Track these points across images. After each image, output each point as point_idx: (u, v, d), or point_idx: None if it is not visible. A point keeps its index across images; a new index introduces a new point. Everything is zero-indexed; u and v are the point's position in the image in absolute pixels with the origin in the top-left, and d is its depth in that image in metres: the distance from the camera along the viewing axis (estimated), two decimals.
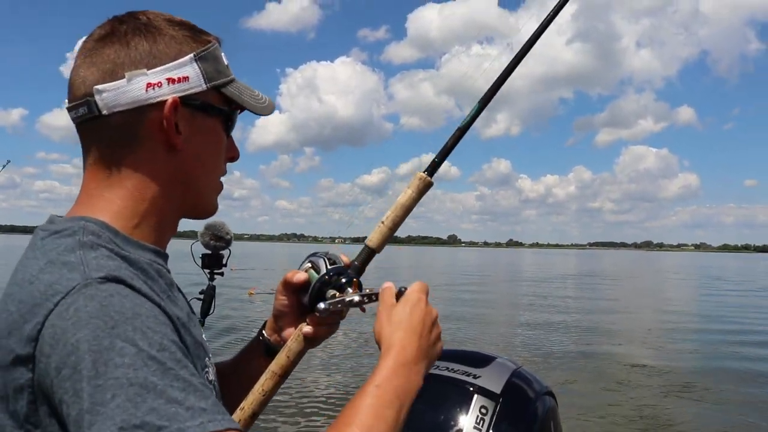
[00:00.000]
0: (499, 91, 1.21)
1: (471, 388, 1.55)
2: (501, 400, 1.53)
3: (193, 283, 3.98)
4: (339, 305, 1.08)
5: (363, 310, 1.11)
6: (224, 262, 4.10)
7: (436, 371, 1.61)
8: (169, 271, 0.95)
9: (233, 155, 1.05)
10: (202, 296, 3.99)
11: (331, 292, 1.09)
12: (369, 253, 1.15)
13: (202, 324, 3.59)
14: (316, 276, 1.11)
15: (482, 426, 1.48)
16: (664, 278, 47.10)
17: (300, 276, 1.13)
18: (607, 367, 10.01)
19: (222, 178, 1.04)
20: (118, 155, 0.91)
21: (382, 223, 1.15)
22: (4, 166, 4.63)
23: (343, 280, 1.09)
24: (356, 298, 1.08)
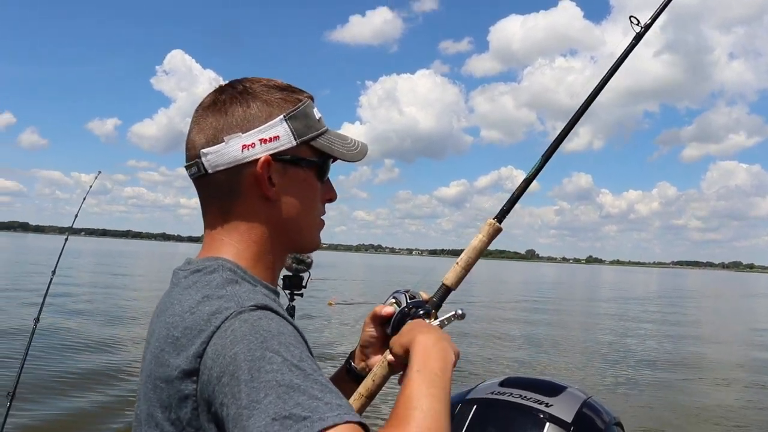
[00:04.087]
0: None
1: (543, 416, 1.64)
2: (572, 429, 1.61)
3: None
4: None
5: None
6: (304, 284, 4.33)
7: (510, 398, 1.72)
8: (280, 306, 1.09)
9: (330, 197, 1.18)
10: None
11: (411, 322, 1.21)
12: (446, 291, 1.30)
13: None
14: (398, 309, 1.26)
15: None
16: (755, 302, 44.67)
17: (387, 309, 1.27)
18: (682, 401, 9.57)
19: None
20: (227, 206, 1.07)
21: (457, 264, 1.31)
22: (96, 177, 5.10)
23: (421, 312, 1.24)
24: (435, 323, 1.22)
